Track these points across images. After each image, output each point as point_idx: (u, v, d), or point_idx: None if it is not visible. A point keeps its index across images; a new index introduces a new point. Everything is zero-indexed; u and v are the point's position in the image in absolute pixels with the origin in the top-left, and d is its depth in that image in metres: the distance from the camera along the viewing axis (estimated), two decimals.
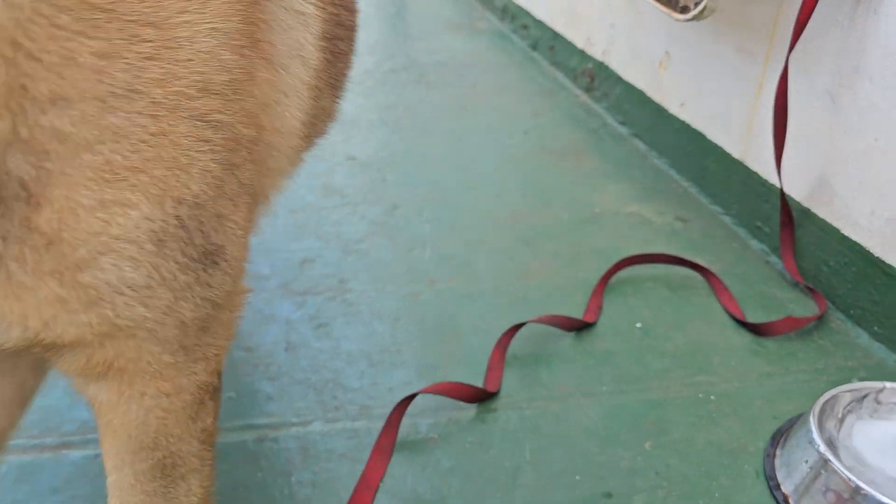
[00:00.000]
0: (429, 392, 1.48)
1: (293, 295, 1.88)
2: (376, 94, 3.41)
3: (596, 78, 3.39)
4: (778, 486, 1.37)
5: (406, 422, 1.46)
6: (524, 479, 1.36)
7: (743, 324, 1.83)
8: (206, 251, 0.73)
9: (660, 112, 2.81)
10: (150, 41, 0.65)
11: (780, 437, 1.47)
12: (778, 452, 1.43)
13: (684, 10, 2.02)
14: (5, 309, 0.65)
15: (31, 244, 0.62)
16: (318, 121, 1.10)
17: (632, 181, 2.62)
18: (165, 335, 0.75)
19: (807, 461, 1.34)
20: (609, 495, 1.33)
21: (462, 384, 1.51)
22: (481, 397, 1.52)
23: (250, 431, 1.44)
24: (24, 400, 1.04)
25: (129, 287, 0.69)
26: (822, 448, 1.32)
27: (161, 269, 0.70)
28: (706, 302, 1.94)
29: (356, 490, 1.28)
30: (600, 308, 1.86)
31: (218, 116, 0.71)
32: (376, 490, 1.29)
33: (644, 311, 1.89)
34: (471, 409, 1.52)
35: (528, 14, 4.34)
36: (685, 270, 2.06)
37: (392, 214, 2.32)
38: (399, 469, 1.37)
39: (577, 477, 1.37)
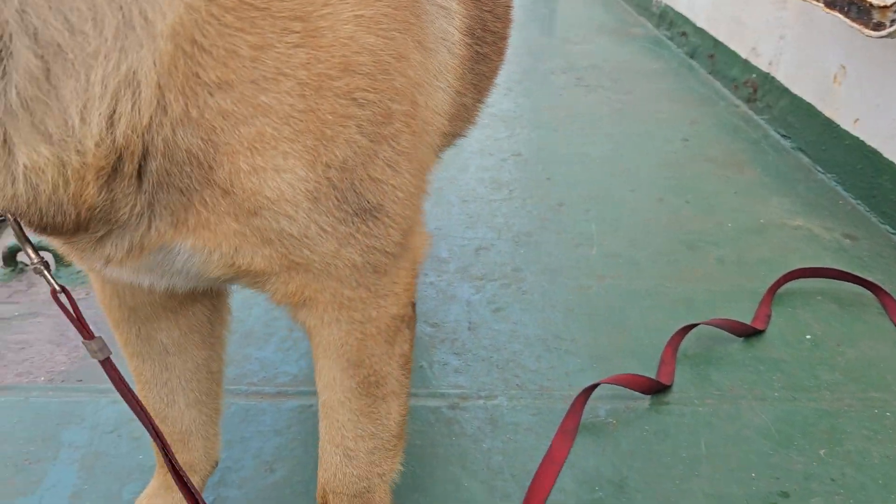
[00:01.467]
0: (609, 382, 1.57)
1: (471, 279, 2.01)
2: (536, 94, 3.51)
3: (759, 89, 3.35)
4: None
5: (586, 405, 1.55)
6: (701, 470, 1.43)
7: None
8: (361, 208, 0.85)
9: (829, 127, 2.77)
10: (297, 32, 0.76)
11: None
12: None
13: (878, 26, 2.00)
14: (201, 239, 0.81)
15: (209, 193, 0.78)
16: (460, 117, 1.18)
17: (796, 195, 2.60)
18: (339, 274, 0.88)
19: None
20: (786, 495, 1.38)
21: (639, 376, 1.59)
22: (656, 389, 1.60)
23: (442, 399, 1.58)
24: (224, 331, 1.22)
25: (290, 235, 0.82)
26: None
27: (319, 221, 0.82)
28: (877, 320, 1.93)
29: (542, 464, 1.39)
30: (769, 317, 1.88)
31: (364, 95, 0.81)
32: (561, 467, 1.39)
33: (813, 324, 1.90)
34: (645, 400, 1.60)
35: (687, 21, 4.32)
36: (854, 287, 2.05)
37: (558, 211, 2.42)
38: (582, 448, 1.46)
39: (753, 474, 1.43)
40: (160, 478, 1.24)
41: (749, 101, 3.43)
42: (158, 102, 0.71)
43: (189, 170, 0.76)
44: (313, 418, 1.51)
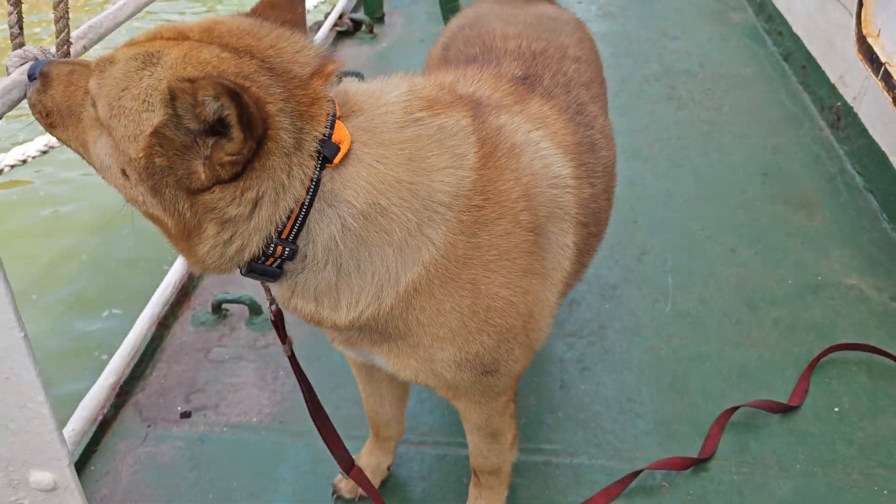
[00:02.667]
0: (654, 468, 2.06)
1: (564, 336, 2.52)
2: (631, 112, 3.85)
3: (843, 119, 3.60)
4: None
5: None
6: None
7: None
8: (485, 370, 1.47)
9: None
10: (469, 290, 1.35)
11: None
12: None
13: None
14: (392, 363, 1.44)
15: (401, 343, 1.40)
16: (565, 293, 1.73)
17: (858, 248, 2.94)
18: (474, 393, 1.55)
19: None
20: None
21: (681, 458, 2.08)
22: (696, 464, 2.10)
23: (539, 454, 2.13)
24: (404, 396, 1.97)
25: (446, 377, 1.45)
26: None
27: (460, 375, 1.45)
28: None
29: None
30: (806, 392, 2.33)
31: (495, 321, 1.40)
32: None
33: (843, 397, 2.34)
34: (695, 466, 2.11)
35: (784, 22, 4.47)
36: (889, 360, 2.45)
37: (641, 261, 2.87)
38: None
39: None
40: (371, 441, 2.03)
41: (833, 126, 3.69)
42: (387, 309, 1.32)
43: (390, 331, 1.38)
44: (447, 467, 2.09)
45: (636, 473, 2.04)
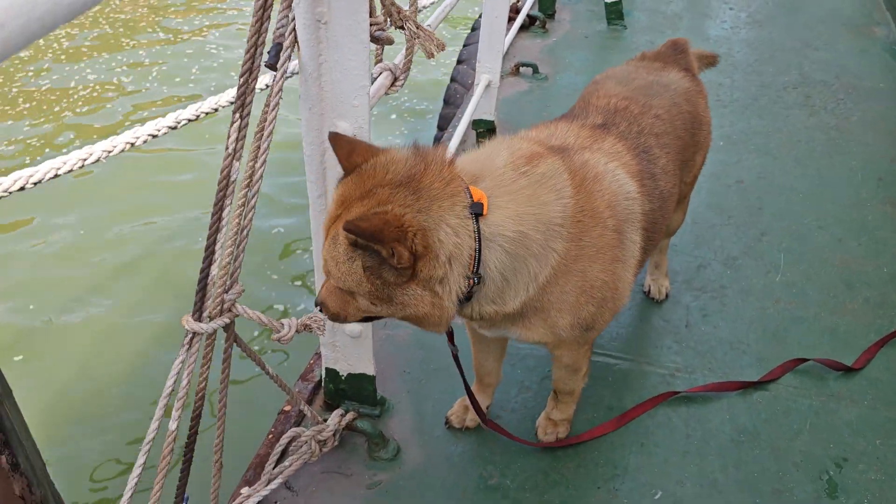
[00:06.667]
0: (712, 389, 2.79)
1: (692, 290, 3.26)
2: (767, 115, 4.47)
3: None
4: None
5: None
6: (801, 437, 2.66)
7: None
8: (587, 328, 2.09)
9: None
10: (579, 275, 1.97)
11: None
12: None
13: None
14: (524, 334, 2.06)
15: (534, 319, 2.01)
16: (637, 270, 2.34)
17: None
18: (573, 342, 2.18)
19: None
20: (845, 460, 2.59)
21: (738, 381, 2.81)
22: (748, 386, 2.80)
23: (665, 370, 2.90)
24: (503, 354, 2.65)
25: (561, 334, 2.07)
26: None
27: (571, 332, 2.07)
28: None
29: (635, 408, 2.70)
30: (868, 361, 2.94)
31: (596, 295, 2.02)
32: (655, 406, 2.71)
33: None
34: (788, 388, 2.82)
35: None
36: None
37: (760, 240, 3.55)
38: (738, 404, 2.74)
39: (831, 445, 2.64)
40: (476, 386, 2.66)
41: None
42: (530, 298, 1.99)
43: (527, 311, 1.98)
44: (543, 362, 2.90)
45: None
